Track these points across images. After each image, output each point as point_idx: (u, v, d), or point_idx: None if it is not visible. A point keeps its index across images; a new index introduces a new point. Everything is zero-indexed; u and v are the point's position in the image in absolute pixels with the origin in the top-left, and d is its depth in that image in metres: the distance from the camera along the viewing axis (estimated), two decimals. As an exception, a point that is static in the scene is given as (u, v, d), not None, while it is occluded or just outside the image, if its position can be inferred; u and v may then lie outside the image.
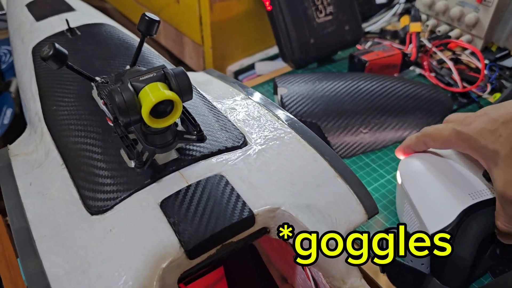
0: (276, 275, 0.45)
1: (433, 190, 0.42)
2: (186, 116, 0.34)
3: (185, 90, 0.30)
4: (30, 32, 0.55)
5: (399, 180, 0.45)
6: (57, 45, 0.32)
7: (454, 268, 0.38)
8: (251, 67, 0.79)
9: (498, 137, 0.35)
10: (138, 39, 0.53)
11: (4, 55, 0.90)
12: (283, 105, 0.56)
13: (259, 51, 0.80)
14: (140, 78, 0.30)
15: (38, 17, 0.57)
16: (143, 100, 0.29)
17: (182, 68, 0.31)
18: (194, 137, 0.33)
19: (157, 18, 0.36)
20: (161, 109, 0.30)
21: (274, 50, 0.81)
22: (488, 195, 0.40)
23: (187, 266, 0.30)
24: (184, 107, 0.36)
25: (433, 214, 0.41)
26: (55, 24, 0.55)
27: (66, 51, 0.33)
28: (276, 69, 0.75)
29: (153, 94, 0.29)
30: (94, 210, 0.32)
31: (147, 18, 0.36)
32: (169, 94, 0.29)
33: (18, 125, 0.84)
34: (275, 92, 0.61)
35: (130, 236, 0.30)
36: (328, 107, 0.56)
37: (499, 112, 0.37)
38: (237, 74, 0.78)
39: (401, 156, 0.47)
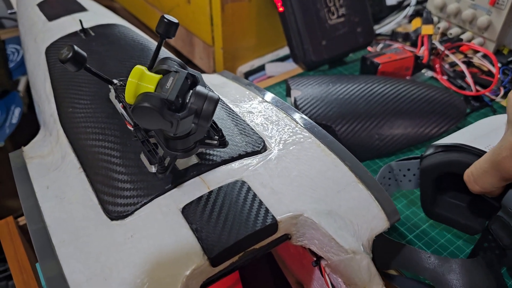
0: (292, 281, 0.45)
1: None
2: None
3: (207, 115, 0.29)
4: (42, 32, 0.55)
5: None
6: (76, 48, 0.32)
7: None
8: (261, 68, 0.79)
9: None
10: (151, 40, 0.53)
11: (12, 53, 0.90)
12: (296, 107, 0.56)
13: (270, 52, 0.80)
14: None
15: (50, 17, 0.57)
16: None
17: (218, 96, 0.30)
18: (216, 142, 0.33)
19: (176, 21, 0.36)
20: None
21: (285, 51, 0.81)
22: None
23: (210, 273, 0.30)
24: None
25: None
26: (68, 24, 0.54)
27: (85, 54, 0.33)
28: (287, 70, 0.75)
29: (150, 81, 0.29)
30: (114, 215, 0.32)
31: (166, 20, 0.35)
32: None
33: (26, 124, 0.84)
34: (288, 94, 0.61)
35: (152, 242, 0.30)
36: (342, 110, 0.55)
37: None
38: (247, 75, 0.78)
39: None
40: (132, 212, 0.32)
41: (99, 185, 0.34)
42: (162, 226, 0.30)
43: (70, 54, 0.32)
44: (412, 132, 0.56)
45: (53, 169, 0.38)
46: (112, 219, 0.32)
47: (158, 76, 0.30)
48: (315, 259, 0.35)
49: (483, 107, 0.65)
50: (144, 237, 0.30)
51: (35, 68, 0.51)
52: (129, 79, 0.29)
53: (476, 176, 0.36)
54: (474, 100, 0.65)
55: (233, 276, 0.44)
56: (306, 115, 0.55)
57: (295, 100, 0.57)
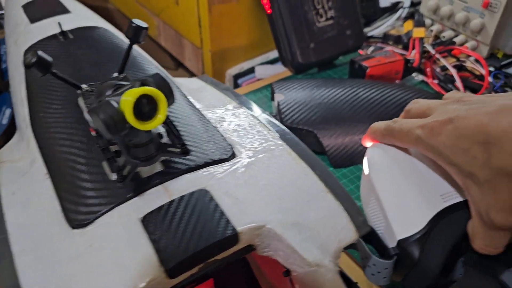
0: (267, 288, 0.44)
1: (402, 189, 0.38)
2: (170, 128, 0.33)
3: (165, 89, 0.29)
4: (23, 34, 0.54)
5: (365, 170, 0.41)
6: (40, 53, 0.31)
7: (419, 277, 0.36)
8: (251, 70, 0.78)
9: (473, 158, 0.30)
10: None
11: (5, 54, 0.90)
12: (279, 112, 0.55)
13: (260, 55, 0.79)
14: (119, 91, 0.29)
15: (33, 19, 0.57)
16: (124, 106, 0.28)
17: (158, 73, 0.30)
18: (178, 150, 0.32)
19: (145, 25, 0.35)
20: (146, 110, 0.29)
21: (275, 53, 0.80)
22: (459, 198, 0.37)
23: (167, 284, 0.29)
24: (168, 118, 0.35)
25: (402, 217, 0.37)
26: (49, 26, 0.54)
27: (50, 58, 0.32)
28: (277, 73, 0.74)
29: (130, 93, 0.28)
30: (76, 223, 0.31)
31: (134, 25, 0.35)
32: (147, 88, 0.28)
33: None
34: (273, 98, 0.60)
35: (109, 253, 0.29)
36: (325, 114, 0.54)
37: (467, 124, 0.31)
38: (236, 77, 0.77)
39: (368, 144, 0.42)
40: (93, 221, 0.31)
41: (63, 192, 0.34)
42: (121, 236, 0.30)
43: (34, 59, 0.31)
44: (397, 137, 0.55)
45: (21, 174, 0.38)
46: (73, 228, 0.31)
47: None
48: (286, 269, 0.34)
49: (473, 112, 0.63)
50: (102, 247, 0.29)
51: (14, 71, 0.50)
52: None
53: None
54: (464, 105, 0.64)
55: (207, 284, 0.43)
56: (288, 119, 0.54)
57: (278, 104, 0.56)
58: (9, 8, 0.65)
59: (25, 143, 0.41)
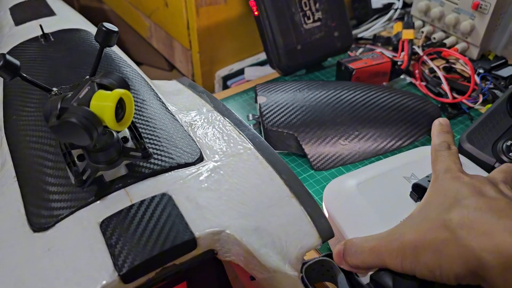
0: (241, 292, 0.44)
1: (366, 224, 0.40)
2: (133, 132, 0.33)
3: (121, 83, 0.31)
4: (7, 37, 0.55)
5: (325, 213, 0.43)
6: (7, 56, 0.31)
7: None
8: (240, 72, 0.78)
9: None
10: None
11: None
12: (261, 115, 0.55)
13: (250, 56, 0.79)
14: (80, 96, 0.29)
15: (18, 22, 0.57)
16: (102, 112, 0.28)
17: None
18: (139, 154, 0.32)
19: (115, 29, 0.35)
20: (122, 112, 0.30)
21: (265, 55, 0.79)
22: None
23: (123, 290, 0.29)
24: (133, 122, 0.35)
25: None
26: (33, 29, 0.54)
27: (18, 62, 0.32)
28: (266, 74, 0.74)
29: (107, 100, 0.28)
30: (37, 227, 0.31)
31: (104, 29, 0.35)
32: (118, 91, 0.29)
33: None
34: (256, 100, 0.60)
35: (67, 257, 0.29)
36: (307, 117, 0.54)
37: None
38: (225, 79, 0.77)
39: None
40: (54, 225, 0.31)
41: (28, 196, 0.34)
42: (79, 240, 0.30)
43: (1, 63, 0.31)
44: (379, 141, 0.55)
45: (-8, 177, 0.38)
46: (34, 231, 0.31)
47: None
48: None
49: (461, 114, 0.63)
50: (60, 251, 0.30)
51: (-5, 74, 0.51)
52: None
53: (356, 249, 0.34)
54: (451, 108, 0.63)
55: (180, 287, 0.43)
56: (269, 122, 0.54)
57: (260, 107, 0.56)
58: (-2, 10, 0.66)
59: (-1, 146, 0.41)
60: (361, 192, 0.42)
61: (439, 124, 0.44)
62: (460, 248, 0.29)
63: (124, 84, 0.31)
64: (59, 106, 0.29)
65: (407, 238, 0.32)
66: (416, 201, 0.41)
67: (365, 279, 0.35)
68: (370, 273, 0.34)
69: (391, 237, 0.33)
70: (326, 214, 0.42)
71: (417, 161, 0.45)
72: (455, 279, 0.30)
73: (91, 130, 0.27)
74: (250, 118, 0.58)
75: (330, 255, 0.37)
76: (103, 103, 0.28)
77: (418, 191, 0.40)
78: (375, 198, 0.41)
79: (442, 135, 0.42)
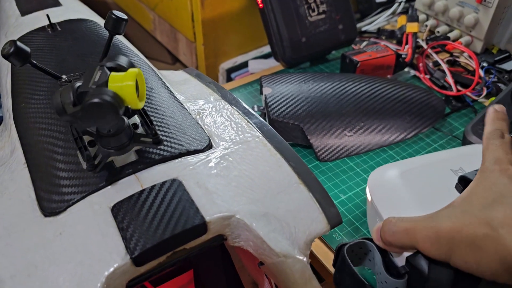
0: (247, 281, 0.44)
1: (404, 208, 0.40)
2: (144, 118, 0.33)
3: (129, 64, 0.31)
4: (13, 27, 0.55)
5: (368, 197, 0.43)
6: (18, 43, 0.32)
7: None
8: (244, 65, 0.78)
9: None
10: (118, 37, 0.52)
11: None
12: (266, 106, 0.55)
13: (254, 49, 0.79)
14: (95, 80, 0.29)
15: (24, 12, 0.57)
16: (123, 92, 0.28)
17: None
18: (150, 140, 0.32)
19: (124, 17, 0.35)
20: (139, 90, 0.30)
21: (269, 48, 0.79)
22: None
23: (134, 273, 0.29)
24: (143, 108, 0.35)
25: None
26: (39, 19, 0.54)
27: (28, 49, 0.32)
28: (270, 67, 0.74)
29: (125, 80, 0.28)
30: (48, 211, 0.32)
31: (113, 16, 0.35)
32: (133, 70, 0.29)
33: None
34: (262, 92, 0.60)
35: (78, 240, 0.29)
36: (312, 108, 0.54)
37: None
38: (229, 72, 0.77)
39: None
40: (65, 209, 0.31)
41: (38, 181, 0.34)
42: (91, 224, 0.30)
43: (12, 49, 0.31)
44: (384, 132, 0.55)
45: (1, 163, 0.38)
46: (45, 216, 0.32)
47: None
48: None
49: (465, 107, 0.63)
50: (71, 235, 0.30)
51: (2, 64, 0.51)
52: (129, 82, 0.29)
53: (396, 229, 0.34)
54: (456, 100, 0.64)
55: (187, 275, 0.43)
56: (275, 113, 0.54)
57: (265, 98, 0.56)
58: (1, 1, 0.66)
59: (7, 133, 0.41)
60: (405, 180, 0.41)
61: (494, 111, 0.40)
62: (499, 247, 0.29)
63: (132, 64, 0.31)
64: (71, 95, 0.29)
65: (444, 227, 0.32)
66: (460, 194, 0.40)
67: (401, 262, 0.35)
68: (407, 255, 0.35)
69: (428, 223, 0.33)
70: (369, 199, 0.43)
71: (468, 156, 0.44)
72: (491, 276, 0.30)
73: (119, 108, 0.27)
74: (255, 109, 0.59)
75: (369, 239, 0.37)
76: (122, 83, 0.28)
77: (464, 184, 0.39)
78: (418, 187, 0.41)
79: (496, 122, 0.39)
